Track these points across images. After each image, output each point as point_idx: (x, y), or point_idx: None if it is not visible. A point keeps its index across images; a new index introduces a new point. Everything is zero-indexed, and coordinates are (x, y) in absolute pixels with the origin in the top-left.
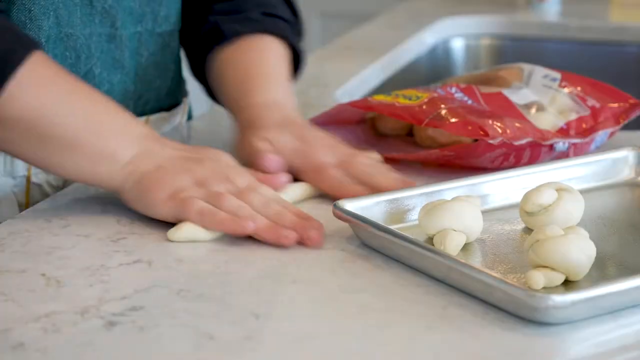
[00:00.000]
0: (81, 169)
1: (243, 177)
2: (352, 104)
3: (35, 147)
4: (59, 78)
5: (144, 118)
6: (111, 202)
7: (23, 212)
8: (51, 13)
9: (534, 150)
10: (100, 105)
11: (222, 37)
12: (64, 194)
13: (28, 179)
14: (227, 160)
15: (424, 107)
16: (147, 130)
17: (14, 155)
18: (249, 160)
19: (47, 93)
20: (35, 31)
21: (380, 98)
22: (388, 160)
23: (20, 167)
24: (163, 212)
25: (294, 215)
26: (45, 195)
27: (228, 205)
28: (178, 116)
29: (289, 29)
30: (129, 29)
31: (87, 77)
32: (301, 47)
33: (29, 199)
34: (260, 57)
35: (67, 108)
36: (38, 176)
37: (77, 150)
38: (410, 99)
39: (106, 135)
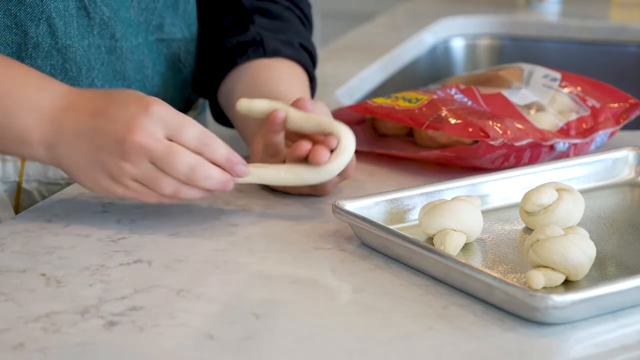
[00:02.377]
0: (9, 150)
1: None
2: (352, 108)
3: None
4: None
5: None
6: (111, 202)
7: (23, 212)
8: (42, 21)
9: (535, 151)
10: (7, 78)
11: (261, 49)
12: (64, 194)
13: (19, 185)
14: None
15: (424, 109)
16: (57, 98)
17: None
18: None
19: None
20: (20, 36)
21: (380, 101)
22: (389, 158)
23: (12, 173)
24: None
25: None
26: (35, 203)
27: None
28: None
29: (311, 64)
30: (131, 40)
31: None
32: (315, 88)
33: (19, 202)
34: (290, 77)
35: None
36: (30, 183)
37: None
38: (410, 102)
39: (15, 114)
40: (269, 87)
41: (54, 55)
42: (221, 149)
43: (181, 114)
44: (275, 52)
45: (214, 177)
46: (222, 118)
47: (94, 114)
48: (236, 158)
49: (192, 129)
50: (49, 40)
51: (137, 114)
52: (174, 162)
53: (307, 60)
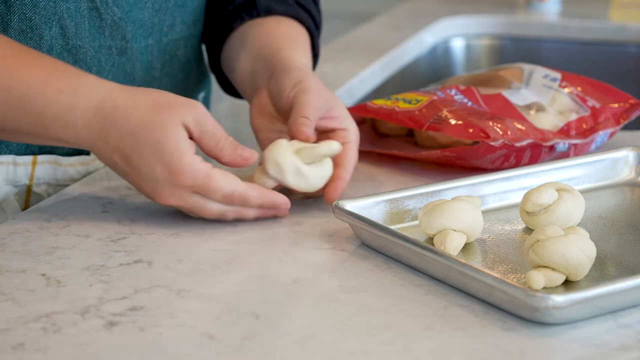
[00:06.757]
0: (57, 143)
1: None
2: (352, 110)
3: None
4: None
5: None
6: (111, 202)
7: (23, 212)
8: (54, 23)
9: (535, 151)
10: (37, 94)
11: (254, 9)
12: (64, 194)
13: (29, 188)
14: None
15: (424, 110)
16: (87, 122)
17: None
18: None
19: None
20: (36, 40)
21: (380, 103)
22: (389, 158)
23: (23, 176)
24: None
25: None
26: None
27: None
28: None
29: (315, 29)
30: (140, 41)
31: None
32: (318, 50)
33: (28, 205)
34: (289, 32)
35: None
36: (40, 186)
37: (39, 136)
38: (410, 103)
39: (55, 130)
40: (265, 47)
41: (65, 56)
42: (253, 202)
43: (210, 172)
44: (268, 10)
45: (246, 219)
46: (230, 88)
47: (124, 157)
48: (269, 201)
49: (218, 192)
50: (61, 42)
51: (163, 181)
52: (203, 213)
53: (305, 17)
